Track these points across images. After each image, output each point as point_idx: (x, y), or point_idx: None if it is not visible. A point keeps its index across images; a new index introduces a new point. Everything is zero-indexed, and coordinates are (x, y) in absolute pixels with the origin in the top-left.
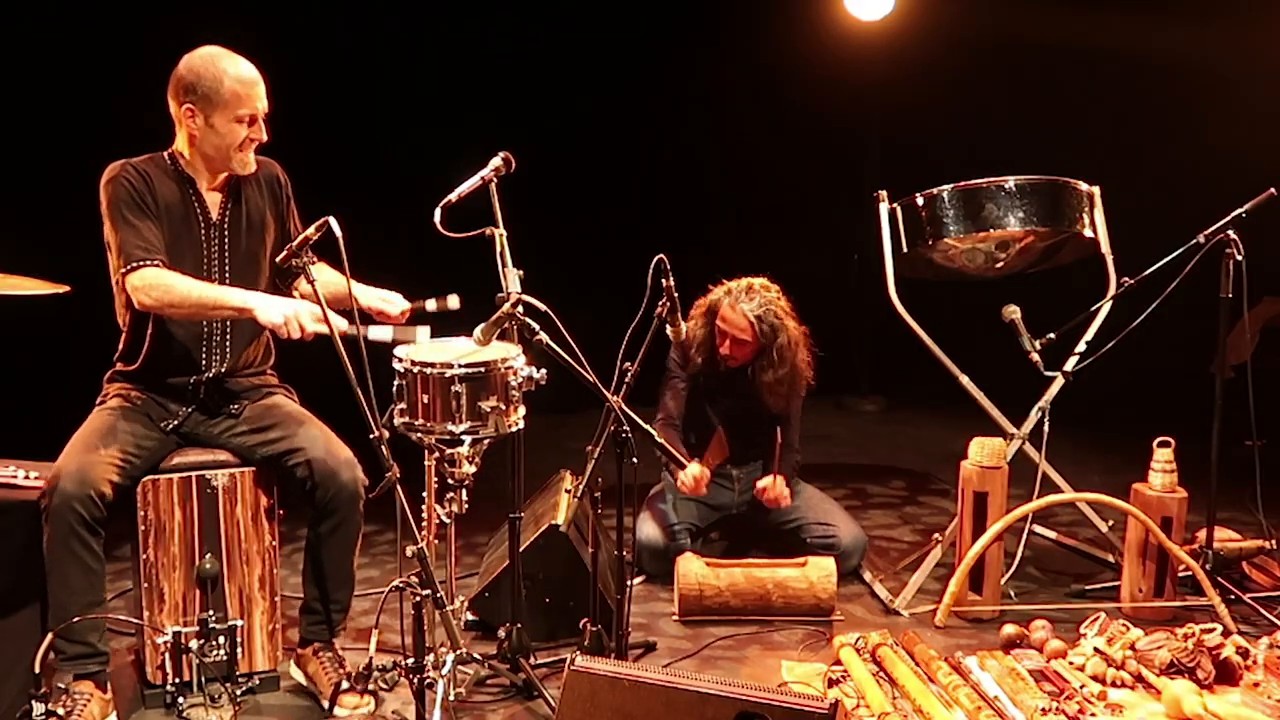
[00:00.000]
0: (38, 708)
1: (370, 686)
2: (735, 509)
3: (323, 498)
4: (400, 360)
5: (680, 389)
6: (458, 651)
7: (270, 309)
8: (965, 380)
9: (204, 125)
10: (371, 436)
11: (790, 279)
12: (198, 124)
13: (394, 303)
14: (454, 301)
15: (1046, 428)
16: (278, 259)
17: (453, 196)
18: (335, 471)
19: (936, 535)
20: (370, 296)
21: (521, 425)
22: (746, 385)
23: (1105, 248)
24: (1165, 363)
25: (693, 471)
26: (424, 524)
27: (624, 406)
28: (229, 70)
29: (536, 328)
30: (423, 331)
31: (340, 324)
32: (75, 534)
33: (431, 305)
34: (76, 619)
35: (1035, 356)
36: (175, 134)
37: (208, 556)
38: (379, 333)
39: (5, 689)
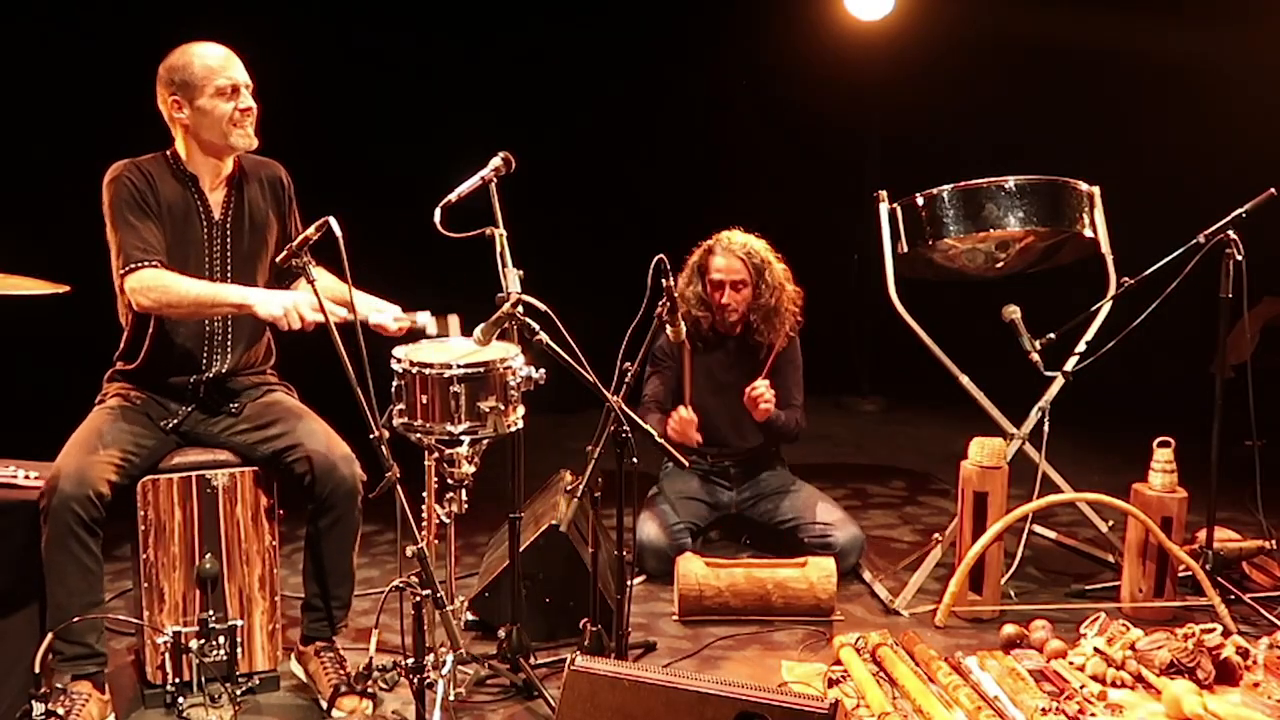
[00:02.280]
0: (37, 708)
1: (369, 689)
2: (735, 508)
3: (321, 493)
4: (399, 360)
5: (667, 375)
6: (458, 651)
7: (269, 303)
8: (965, 380)
9: (192, 111)
10: (371, 436)
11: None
12: (186, 113)
13: (386, 312)
14: (424, 318)
15: (1046, 428)
16: (277, 259)
17: (453, 196)
18: (334, 466)
19: (936, 535)
20: (367, 308)
21: (520, 425)
22: (745, 355)
23: (1105, 248)
24: (1165, 363)
25: (681, 414)
26: (424, 524)
27: (624, 406)
28: (197, 51)
29: (536, 328)
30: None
31: (339, 313)
32: (73, 534)
33: (425, 320)
34: (76, 620)
35: (1035, 356)
36: (173, 138)
37: (208, 556)
38: (380, 317)
39: (5, 689)
